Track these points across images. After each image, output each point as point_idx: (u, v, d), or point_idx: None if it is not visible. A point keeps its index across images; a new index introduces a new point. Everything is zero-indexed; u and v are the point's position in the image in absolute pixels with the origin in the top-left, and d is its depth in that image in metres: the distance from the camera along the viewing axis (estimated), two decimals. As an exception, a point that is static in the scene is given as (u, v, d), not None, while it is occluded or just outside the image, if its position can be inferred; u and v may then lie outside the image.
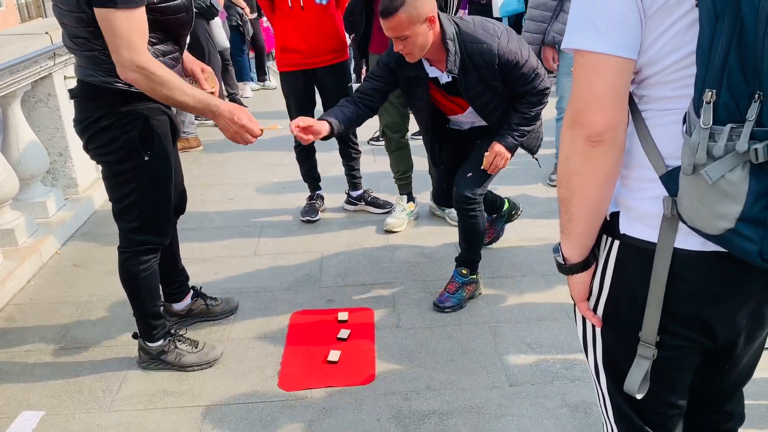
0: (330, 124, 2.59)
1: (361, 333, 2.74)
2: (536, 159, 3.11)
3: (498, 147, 2.74)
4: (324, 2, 3.51)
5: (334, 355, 2.58)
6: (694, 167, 0.94)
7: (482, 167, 2.78)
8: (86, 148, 2.28)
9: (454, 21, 2.63)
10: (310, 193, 4.06)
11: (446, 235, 3.67)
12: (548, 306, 2.91)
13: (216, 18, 6.04)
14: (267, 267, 3.39)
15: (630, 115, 1.12)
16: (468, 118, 2.94)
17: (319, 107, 3.78)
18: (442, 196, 3.24)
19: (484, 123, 2.90)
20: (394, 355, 2.61)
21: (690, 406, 1.38)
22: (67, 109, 4.08)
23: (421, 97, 2.80)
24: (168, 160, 2.31)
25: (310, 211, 3.95)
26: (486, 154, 2.75)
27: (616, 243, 1.16)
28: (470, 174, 2.82)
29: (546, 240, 3.52)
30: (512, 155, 2.80)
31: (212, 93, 2.40)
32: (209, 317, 2.87)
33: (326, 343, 2.69)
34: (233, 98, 6.81)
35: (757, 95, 0.88)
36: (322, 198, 4.08)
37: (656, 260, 1.09)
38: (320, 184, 4.07)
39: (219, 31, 6.26)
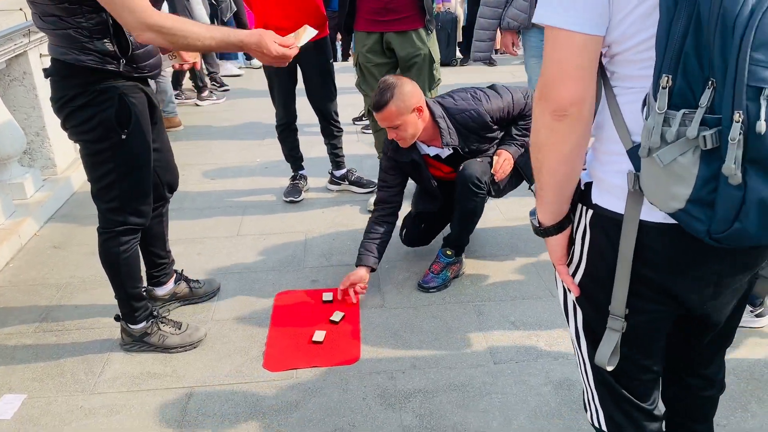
0: (371, 268, 2.85)
1: (346, 312, 2.73)
2: (532, 190, 3.13)
3: (504, 153, 2.88)
4: None
5: (319, 335, 2.58)
6: (649, 150, 0.97)
7: (492, 171, 2.86)
8: (64, 127, 2.24)
9: (438, 102, 2.83)
10: (293, 173, 4.02)
11: (430, 214, 3.67)
12: (532, 285, 2.93)
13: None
14: (250, 247, 3.37)
15: (603, 89, 1.14)
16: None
17: (300, 85, 3.74)
18: (418, 238, 3.16)
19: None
20: (378, 334, 2.61)
21: (670, 373, 1.42)
22: (44, 88, 4.00)
23: (424, 176, 2.94)
24: (145, 139, 2.27)
25: (293, 191, 3.92)
26: (495, 158, 2.87)
27: (590, 212, 1.20)
28: (480, 160, 2.86)
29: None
30: (514, 162, 2.90)
31: (194, 63, 2.37)
32: (192, 300, 2.85)
33: (311, 323, 2.68)
34: (213, 77, 6.72)
35: (710, 82, 0.89)
36: (305, 178, 4.05)
37: (623, 233, 1.13)
38: (303, 164, 4.04)
39: (199, 7, 6.13)
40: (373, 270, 2.86)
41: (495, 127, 2.84)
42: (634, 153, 1.06)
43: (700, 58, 0.90)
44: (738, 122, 0.86)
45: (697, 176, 0.94)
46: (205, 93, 6.28)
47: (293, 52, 2.14)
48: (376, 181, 3.94)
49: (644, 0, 1.00)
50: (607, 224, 1.16)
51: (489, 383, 2.32)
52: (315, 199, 3.97)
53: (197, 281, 2.88)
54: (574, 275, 1.28)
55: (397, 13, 3.38)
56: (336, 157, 4.00)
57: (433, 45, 3.50)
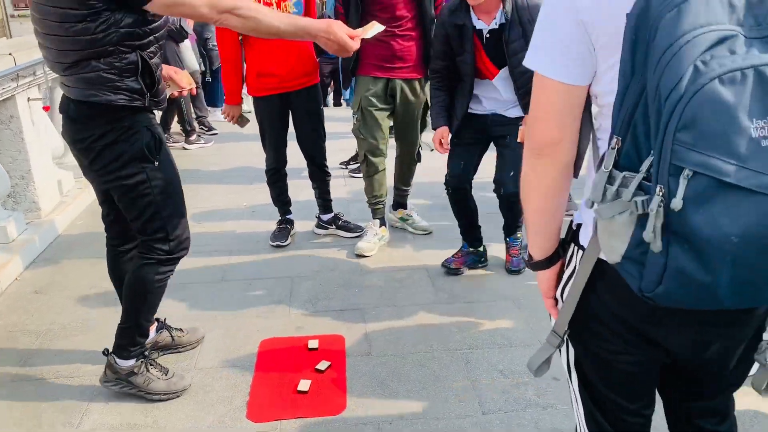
0: (447, 126, 3.28)
1: (331, 361, 2.69)
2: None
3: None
4: None
5: (304, 384, 2.53)
6: (593, 203, 1.02)
7: (518, 140, 3.10)
8: (90, 169, 2.26)
9: None
10: (280, 217, 4.01)
11: (417, 259, 3.67)
12: (520, 331, 2.90)
13: (186, 40, 6.00)
14: (235, 293, 3.33)
15: (591, 140, 1.18)
16: (496, 86, 3.17)
17: (291, 129, 3.76)
18: (459, 176, 3.37)
19: (502, 105, 3.21)
20: (365, 383, 2.57)
21: (675, 414, 1.41)
22: (30, 132, 3.99)
23: (468, 47, 3.09)
24: (173, 164, 2.36)
25: (280, 236, 3.90)
26: (521, 127, 3.09)
27: (580, 252, 1.22)
28: (512, 173, 3.13)
29: (517, 265, 3.52)
30: None
31: (190, 90, 2.57)
32: (175, 349, 2.79)
33: (296, 371, 2.63)
34: (202, 122, 6.74)
35: (652, 151, 0.92)
36: (292, 222, 4.04)
37: (582, 262, 1.17)
38: (291, 208, 4.03)
39: (189, 54, 6.22)
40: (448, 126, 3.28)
41: None
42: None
43: (647, 127, 0.93)
44: (658, 195, 0.89)
45: (632, 236, 0.97)
46: (193, 137, 6.30)
47: (357, 44, 2.19)
48: (363, 225, 3.95)
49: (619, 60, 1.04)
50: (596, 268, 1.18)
51: (477, 434, 2.27)
52: (302, 243, 3.95)
53: (180, 329, 2.83)
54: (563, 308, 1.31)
55: (405, 62, 3.51)
56: (324, 201, 4.00)
57: (427, 93, 3.62)
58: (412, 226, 4.03)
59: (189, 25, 6.08)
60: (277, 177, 3.88)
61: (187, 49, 6.18)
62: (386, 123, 3.68)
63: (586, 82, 1.10)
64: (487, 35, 3.06)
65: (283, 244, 3.86)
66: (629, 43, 0.94)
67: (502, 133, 3.25)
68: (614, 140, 0.98)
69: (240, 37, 3.50)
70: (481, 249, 3.51)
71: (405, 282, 3.40)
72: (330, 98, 8.75)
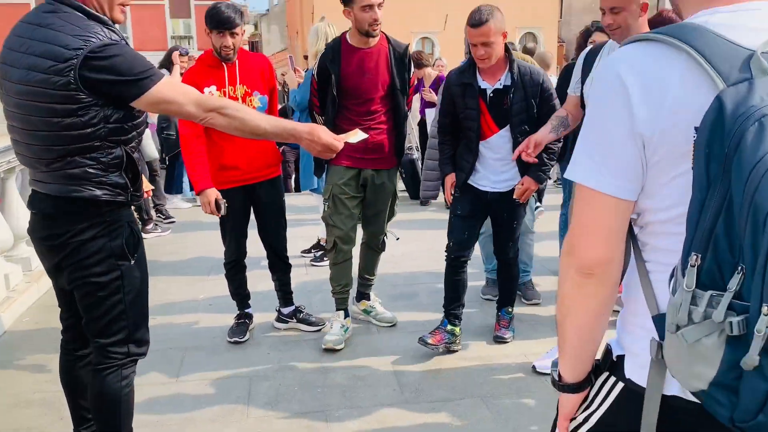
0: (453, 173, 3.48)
1: (292, 471, 2.53)
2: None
3: (528, 180, 3.31)
4: None
5: (262, 499, 2.36)
6: (677, 326, 0.94)
7: (515, 196, 3.33)
8: (61, 266, 2.14)
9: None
10: (238, 311, 3.88)
11: (381, 352, 3.56)
12: (488, 427, 2.79)
13: (146, 130, 5.96)
14: (190, 395, 3.15)
15: (633, 255, 1.11)
16: (494, 144, 3.36)
17: (252, 222, 3.70)
18: (462, 243, 3.47)
19: (502, 180, 3.39)
20: (328, 495, 2.41)
21: None
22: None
23: (472, 104, 3.31)
24: (146, 262, 2.27)
25: (238, 331, 3.75)
26: (518, 186, 3.32)
27: (619, 385, 1.14)
28: (511, 243, 3.48)
29: (484, 360, 3.44)
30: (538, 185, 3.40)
31: (147, 192, 2.46)
32: None
33: (254, 484, 2.46)
34: (159, 209, 6.63)
35: (740, 267, 0.87)
36: (251, 316, 3.90)
37: (646, 403, 1.07)
38: (249, 301, 3.91)
39: (148, 141, 6.18)
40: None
41: (537, 102, 3.26)
42: (660, 321, 1.02)
43: (731, 242, 0.88)
44: (766, 316, 0.83)
45: (722, 360, 0.89)
46: (150, 225, 6.16)
47: (341, 145, 2.20)
48: (324, 320, 3.85)
49: (682, 173, 0.99)
50: (637, 399, 1.10)
51: None
52: (261, 338, 3.81)
53: None
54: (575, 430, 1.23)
55: (377, 153, 3.56)
56: (284, 294, 3.89)
57: (397, 182, 3.71)
58: (376, 318, 3.93)
59: (152, 115, 6.07)
60: (236, 270, 3.77)
61: (148, 137, 6.14)
62: (357, 211, 3.67)
63: (636, 198, 1.05)
64: (491, 95, 3.28)
65: (242, 340, 3.72)
66: (703, 156, 0.90)
67: (500, 211, 3.46)
68: (693, 257, 0.92)
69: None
70: (458, 331, 3.52)
71: (368, 380, 3.27)
72: (291, 182, 8.75)
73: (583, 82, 3.15)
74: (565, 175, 1.10)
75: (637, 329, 1.13)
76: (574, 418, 1.23)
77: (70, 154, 2.01)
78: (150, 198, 6.40)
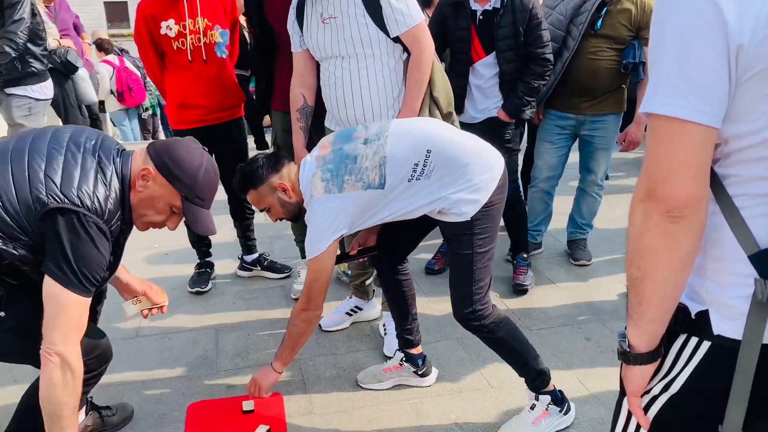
0: None
1: (270, 424, 2.42)
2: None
3: (501, 113, 3.26)
4: (225, 55, 3.28)
5: (241, 455, 2.25)
6: None
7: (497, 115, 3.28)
8: None
9: None
10: (198, 261, 3.69)
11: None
12: (468, 375, 2.74)
13: (79, 70, 5.55)
14: (153, 350, 2.99)
15: (715, 200, 0.99)
16: (480, 70, 3.27)
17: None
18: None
19: (481, 110, 3.32)
20: (310, 448, 2.32)
21: None
22: None
23: (463, 24, 3.23)
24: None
25: (200, 281, 3.58)
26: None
27: (705, 344, 1.03)
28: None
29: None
30: (511, 119, 3.29)
31: (162, 306, 2.29)
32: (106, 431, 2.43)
33: (231, 440, 2.35)
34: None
35: None
36: (212, 265, 3.72)
37: (742, 351, 0.97)
38: (210, 250, 3.72)
39: (85, 84, 5.77)
40: None
41: (524, 29, 3.13)
42: (760, 259, 0.92)
43: None
44: None
45: None
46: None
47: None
48: (290, 265, 3.70)
49: None
50: (729, 354, 0.99)
51: (440, 499, 2.07)
52: (225, 288, 3.64)
53: (108, 408, 2.45)
54: (648, 405, 1.12)
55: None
56: (247, 241, 3.72)
57: None
58: (340, 265, 3.81)
59: (82, 54, 5.65)
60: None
61: (83, 79, 5.73)
62: None
63: (720, 125, 0.92)
64: (481, 17, 3.20)
65: (204, 289, 3.55)
66: None
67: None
68: None
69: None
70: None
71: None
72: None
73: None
74: (642, 110, 0.96)
75: (724, 277, 1.02)
76: (648, 392, 1.12)
77: None
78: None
